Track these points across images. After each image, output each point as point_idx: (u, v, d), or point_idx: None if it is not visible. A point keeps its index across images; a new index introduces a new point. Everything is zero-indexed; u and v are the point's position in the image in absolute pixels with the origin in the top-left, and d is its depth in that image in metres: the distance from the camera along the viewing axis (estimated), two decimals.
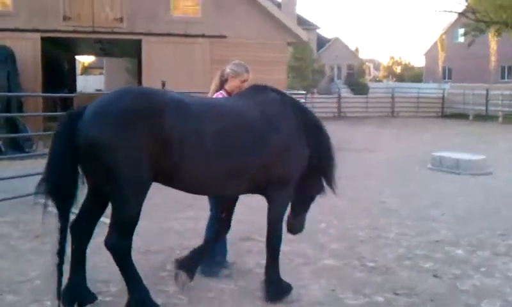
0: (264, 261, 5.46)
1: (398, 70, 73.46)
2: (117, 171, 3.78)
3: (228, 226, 5.01)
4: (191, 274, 4.66)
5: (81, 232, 4.21)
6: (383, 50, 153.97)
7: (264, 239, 6.21)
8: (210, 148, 4.09)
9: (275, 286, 4.61)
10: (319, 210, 7.98)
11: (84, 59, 70.02)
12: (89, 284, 4.85)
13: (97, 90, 33.89)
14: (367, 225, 7.22)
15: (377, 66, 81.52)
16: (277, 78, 17.65)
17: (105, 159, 3.76)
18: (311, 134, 4.70)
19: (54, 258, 3.92)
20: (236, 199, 4.96)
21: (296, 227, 5.12)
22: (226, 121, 4.27)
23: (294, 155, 4.58)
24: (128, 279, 4.05)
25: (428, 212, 8.02)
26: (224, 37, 17.71)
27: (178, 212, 7.72)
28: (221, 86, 5.21)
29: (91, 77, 57.40)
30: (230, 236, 6.32)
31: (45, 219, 4.21)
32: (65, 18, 16.55)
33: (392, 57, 75.67)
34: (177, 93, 4.32)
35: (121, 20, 16.95)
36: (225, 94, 5.13)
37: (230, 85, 5.15)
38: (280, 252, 5.70)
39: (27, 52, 15.97)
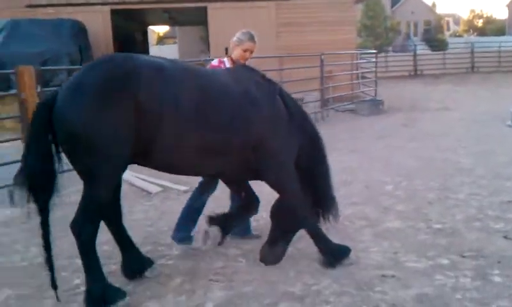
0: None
1: (479, 23, 69.69)
2: (94, 153, 3.56)
3: (256, 202, 4.78)
4: (223, 232, 4.57)
5: (109, 213, 4.14)
6: (462, 3, 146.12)
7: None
8: (185, 119, 3.80)
9: (329, 254, 4.46)
10: (387, 171, 7.79)
11: (158, 30, 70.78)
12: (152, 247, 4.99)
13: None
14: (437, 186, 6.90)
15: (457, 21, 77.79)
16: (345, 38, 17.25)
17: (82, 144, 3.54)
18: (299, 127, 4.47)
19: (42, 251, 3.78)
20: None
21: (267, 257, 4.55)
22: (206, 92, 3.96)
23: (279, 137, 4.31)
24: (87, 267, 3.77)
25: (504, 171, 7.55)
26: None
27: None
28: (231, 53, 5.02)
29: (166, 47, 58.46)
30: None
31: None
32: None
33: (473, 11, 71.93)
34: (156, 58, 4.02)
35: None
36: (228, 63, 4.91)
37: (234, 53, 4.90)
38: (342, 216, 5.64)
39: (98, 25, 16.40)
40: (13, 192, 6.75)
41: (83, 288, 3.87)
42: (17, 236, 5.61)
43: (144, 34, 28.29)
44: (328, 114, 14.42)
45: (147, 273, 4.33)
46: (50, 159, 3.67)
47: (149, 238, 5.29)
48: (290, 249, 4.79)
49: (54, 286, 3.79)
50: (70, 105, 3.53)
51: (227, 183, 4.78)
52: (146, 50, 27.89)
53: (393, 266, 4.41)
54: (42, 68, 10.61)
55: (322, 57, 13.76)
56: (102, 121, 3.51)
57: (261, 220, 5.62)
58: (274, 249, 4.52)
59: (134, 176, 7.90)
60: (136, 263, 4.31)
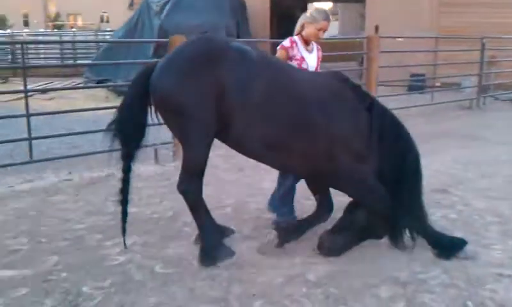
0: (452, 215, 5.24)
1: None
2: (184, 117, 3.90)
3: (330, 208, 4.66)
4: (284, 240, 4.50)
5: None
6: None
7: (459, 192, 5.96)
8: (255, 109, 3.92)
9: (440, 247, 4.27)
10: None
11: (322, 6, 72.10)
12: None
13: (331, 36, 34.36)
14: None
15: None
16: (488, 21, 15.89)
17: (172, 108, 3.93)
18: (387, 148, 4.20)
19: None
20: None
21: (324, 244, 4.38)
22: (278, 89, 4.02)
23: (352, 154, 4.15)
24: (199, 225, 4.19)
25: None
26: None
27: None
28: (300, 31, 4.86)
29: None
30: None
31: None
32: None
33: None
34: (244, 45, 4.16)
35: None
36: (299, 41, 4.79)
37: (306, 32, 4.76)
38: (475, 208, 5.38)
39: (257, 2, 16.92)
40: (158, 151, 7.42)
41: None
42: (155, 191, 6.15)
43: (303, 10, 28.43)
44: (485, 102, 13.47)
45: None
46: (142, 114, 4.11)
47: None
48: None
49: (124, 232, 4.28)
50: (164, 74, 3.96)
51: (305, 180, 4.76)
52: None
53: None
54: None
55: (484, 40, 12.81)
56: (189, 90, 3.86)
57: None
58: (335, 237, 4.38)
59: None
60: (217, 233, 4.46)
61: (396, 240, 4.26)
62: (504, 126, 10.61)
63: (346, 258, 4.26)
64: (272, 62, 4.29)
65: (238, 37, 14.66)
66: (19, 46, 18.91)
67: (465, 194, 5.98)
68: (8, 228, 4.96)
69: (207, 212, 4.40)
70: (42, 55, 25.06)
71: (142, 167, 6.95)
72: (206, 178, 6.08)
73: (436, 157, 7.81)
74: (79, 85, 16.13)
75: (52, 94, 14.30)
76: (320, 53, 5.02)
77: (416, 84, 14.40)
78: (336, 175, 4.23)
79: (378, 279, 3.88)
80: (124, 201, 4.26)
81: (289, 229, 4.55)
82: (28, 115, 6.65)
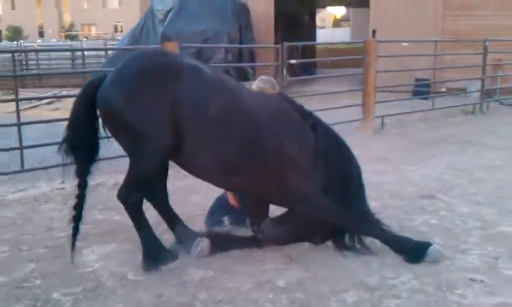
0: (433, 221, 5.22)
1: None
2: (132, 134, 3.85)
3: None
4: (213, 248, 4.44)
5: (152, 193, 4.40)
6: None
7: (447, 198, 5.93)
8: (208, 127, 3.93)
9: (405, 252, 4.26)
10: None
11: (335, 12, 71.31)
12: None
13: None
14: None
15: None
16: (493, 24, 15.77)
17: (120, 124, 3.87)
18: (331, 168, 4.31)
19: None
20: (266, 210, 4.61)
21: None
22: (232, 108, 4.05)
23: (299, 172, 4.23)
24: (139, 232, 4.17)
25: None
26: None
27: None
28: None
29: (339, 30, 58.62)
30: (410, 192, 6.13)
31: None
32: None
33: None
34: (199, 63, 4.17)
35: None
36: None
37: None
38: (458, 213, 5.42)
39: (261, 7, 16.97)
40: None
41: None
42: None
43: (312, 16, 28.51)
44: (489, 106, 13.35)
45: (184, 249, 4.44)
46: (91, 130, 4.09)
47: None
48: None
49: (73, 247, 4.25)
50: (112, 87, 3.89)
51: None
52: (312, 33, 28.20)
53: (487, 271, 4.08)
54: (200, 45, 11.38)
55: (487, 43, 12.71)
56: (139, 106, 3.82)
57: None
58: (275, 226, 4.47)
59: None
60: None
61: (340, 244, 4.43)
62: (504, 132, 10.50)
63: (319, 263, 4.25)
64: (225, 82, 4.27)
65: (241, 42, 14.72)
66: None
67: (452, 199, 5.94)
68: None
69: (176, 218, 4.47)
70: (54, 65, 25.47)
71: None
72: (195, 186, 6.17)
73: (429, 163, 7.79)
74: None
75: (57, 104, 14.49)
76: None
77: (421, 89, 14.33)
78: (285, 193, 4.27)
79: (347, 285, 3.87)
80: (77, 217, 4.27)
81: (218, 241, 4.50)
82: (19, 124, 6.75)
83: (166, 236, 4.59)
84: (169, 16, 15.17)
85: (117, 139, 4.09)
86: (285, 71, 9.12)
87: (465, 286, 3.84)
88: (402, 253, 4.28)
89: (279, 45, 9.32)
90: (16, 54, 21.49)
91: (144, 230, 4.20)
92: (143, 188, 4.15)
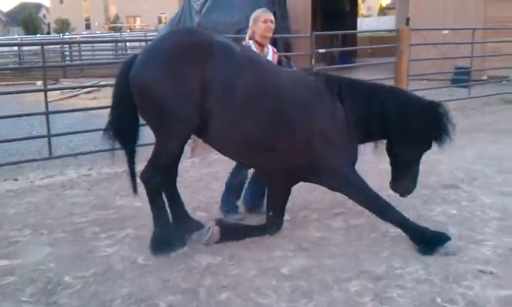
0: (452, 211, 5.11)
1: None
2: (161, 110, 3.87)
3: (278, 227, 4.67)
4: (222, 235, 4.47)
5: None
6: None
7: (470, 188, 5.79)
8: (237, 106, 3.94)
9: (421, 242, 4.19)
10: None
11: (381, 0, 70.37)
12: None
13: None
14: None
15: None
16: None
17: (150, 100, 3.90)
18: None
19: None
20: (286, 196, 4.63)
21: (398, 190, 4.59)
22: (262, 85, 4.05)
23: (331, 144, 4.18)
24: (154, 214, 4.20)
25: None
26: None
27: None
28: (253, 36, 4.82)
29: (384, 18, 57.68)
30: (433, 181, 6.02)
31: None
32: None
33: None
34: (228, 41, 4.19)
35: None
36: (253, 45, 4.75)
37: (258, 32, 4.76)
38: (479, 203, 5.32)
39: None
40: None
41: None
42: None
43: (353, 4, 28.09)
44: None
45: (194, 236, 4.48)
46: (132, 111, 4.11)
47: None
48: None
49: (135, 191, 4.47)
50: (143, 65, 3.95)
51: (268, 183, 4.72)
52: (353, 22, 27.79)
53: (499, 263, 3.98)
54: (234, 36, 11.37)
55: None
56: (170, 83, 3.84)
57: None
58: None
59: None
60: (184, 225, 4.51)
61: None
62: None
63: (327, 252, 4.24)
64: (254, 59, 4.30)
65: (276, 32, 14.63)
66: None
67: (475, 189, 5.80)
68: (16, 220, 5.23)
69: (180, 205, 4.51)
70: (97, 56, 26.05)
71: None
72: (217, 174, 6.22)
73: (459, 152, 7.55)
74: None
75: (96, 93, 14.84)
76: (276, 56, 5.01)
77: (460, 78, 13.94)
78: (314, 168, 4.23)
79: (352, 274, 3.85)
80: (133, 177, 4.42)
81: (228, 230, 4.52)
82: (47, 113, 6.95)
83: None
84: (205, 7, 15.26)
85: (145, 118, 4.13)
86: (313, 60, 9.05)
87: (473, 278, 3.76)
88: (418, 243, 4.23)
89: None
90: (59, 46, 22.18)
91: (159, 213, 4.24)
92: (166, 169, 4.22)
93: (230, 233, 4.49)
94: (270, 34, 4.82)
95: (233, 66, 3.97)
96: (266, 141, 4.11)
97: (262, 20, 4.76)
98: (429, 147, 4.43)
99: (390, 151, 4.44)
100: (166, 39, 4.12)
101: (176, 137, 4.01)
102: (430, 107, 4.31)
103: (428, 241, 4.17)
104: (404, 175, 4.47)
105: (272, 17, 4.84)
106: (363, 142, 4.45)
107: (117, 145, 4.29)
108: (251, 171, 5.14)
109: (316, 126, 4.15)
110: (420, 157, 4.50)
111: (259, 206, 5.15)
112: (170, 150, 4.06)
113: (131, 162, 4.33)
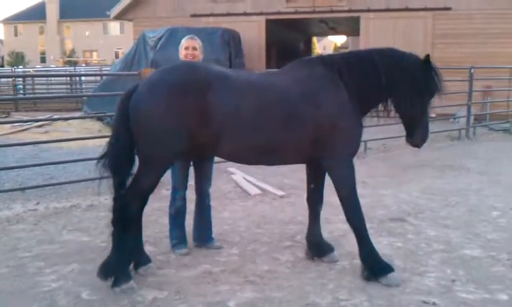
0: (398, 244, 5.21)
1: None
2: (153, 138, 3.99)
3: (319, 200, 4.80)
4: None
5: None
6: None
7: (416, 221, 5.94)
8: (247, 123, 4.09)
9: (368, 265, 4.30)
10: (505, 197, 7.09)
11: (336, 40, 72.20)
12: (218, 243, 5.19)
13: None
14: None
15: None
16: (508, 51, 15.89)
17: (145, 128, 4.00)
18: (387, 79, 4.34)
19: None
20: (323, 170, 4.61)
21: (414, 143, 4.64)
22: (265, 97, 4.19)
23: (343, 130, 4.27)
24: (116, 240, 4.15)
25: None
26: (448, 9, 16.49)
27: None
28: None
29: None
30: (380, 215, 6.14)
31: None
32: (288, 0, 17.35)
33: None
34: (221, 68, 4.35)
35: None
36: None
37: (181, 57, 4.99)
38: (425, 236, 5.41)
39: (253, 34, 17.23)
40: None
41: None
42: None
43: (307, 43, 28.80)
44: (475, 132, 13.40)
45: (140, 270, 4.48)
46: (129, 142, 4.12)
47: (221, 235, 5.49)
48: (346, 263, 4.72)
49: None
50: (142, 96, 4.05)
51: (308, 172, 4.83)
52: None
53: (441, 294, 4.08)
54: None
55: (472, 71, 12.81)
56: (163, 117, 3.96)
57: (335, 232, 5.57)
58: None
59: (242, 177, 8.23)
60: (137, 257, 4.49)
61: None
62: (487, 157, 10.54)
63: (274, 285, 4.26)
64: (250, 77, 4.46)
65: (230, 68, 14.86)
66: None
67: (421, 223, 5.96)
68: None
69: (139, 236, 4.48)
70: (53, 90, 25.68)
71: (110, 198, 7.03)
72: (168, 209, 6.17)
73: (406, 187, 7.81)
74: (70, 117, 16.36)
75: (47, 127, 14.59)
76: None
77: None
78: (326, 155, 4.36)
79: (298, 306, 3.87)
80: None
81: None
82: None
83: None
84: (160, 43, 15.36)
85: (137, 144, 4.14)
86: None
87: None
88: (366, 263, 4.34)
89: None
90: (11, 79, 21.81)
91: (123, 244, 4.15)
92: (144, 199, 4.23)
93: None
94: (191, 60, 4.93)
95: (233, 90, 4.11)
96: (282, 143, 4.28)
97: (184, 47, 4.98)
98: (430, 97, 4.45)
99: (398, 109, 4.49)
100: (166, 74, 4.16)
101: (159, 167, 4.15)
102: (423, 60, 4.40)
103: (372, 266, 4.29)
104: (416, 127, 4.47)
105: (195, 44, 5.00)
106: (370, 109, 4.55)
107: (109, 174, 4.23)
108: (192, 203, 5.19)
109: (325, 116, 4.25)
110: (427, 107, 4.50)
111: (208, 240, 5.15)
112: (151, 179, 4.14)
113: (117, 192, 4.24)
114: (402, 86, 4.32)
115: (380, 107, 4.54)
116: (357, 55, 4.60)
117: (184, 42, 5.00)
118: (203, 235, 5.17)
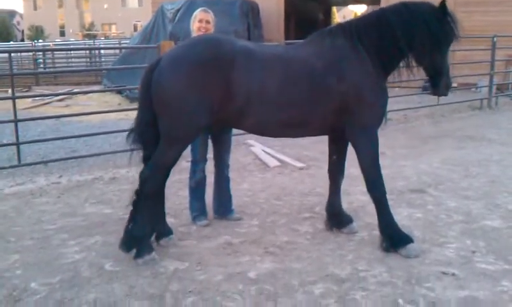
0: (418, 215, 5.22)
1: None
2: (173, 114, 4.01)
3: (341, 171, 4.80)
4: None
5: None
6: None
7: (436, 193, 5.92)
8: (273, 98, 4.09)
9: (387, 236, 4.33)
10: None
11: (356, 9, 71.67)
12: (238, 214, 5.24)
13: None
14: None
15: None
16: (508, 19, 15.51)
17: (166, 103, 4.01)
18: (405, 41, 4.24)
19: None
20: (345, 142, 4.62)
21: (440, 92, 4.42)
22: (289, 71, 4.16)
23: (368, 100, 4.24)
24: (140, 213, 4.23)
25: None
26: None
27: None
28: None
29: None
30: (400, 186, 6.13)
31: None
32: None
33: None
34: (245, 42, 4.33)
35: None
36: None
37: (194, 31, 5.00)
38: (445, 207, 5.43)
39: (272, 5, 17.02)
40: None
41: None
42: None
43: (327, 14, 28.42)
44: (497, 102, 13.19)
45: (162, 241, 4.57)
46: (154, 116, 4.15)
47: (241, 207, 5.54)
48: (365, 234, 4.74)
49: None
50: (164, 71, 4.04)
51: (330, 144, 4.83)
52: None
53: (461, 265, 4.09)
54: None
55: (495, 39, 12.56)
56: (185, 93, 3.97)
57: (355, 203, 5.58)
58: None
59: (261, 149, 8.25)
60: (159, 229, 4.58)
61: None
62: (509, 127, 10.40)
63: (294, 256, 4.31)
64: (274, 51, 4.39)
65: (249, 40, 14.76)
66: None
67: (441, 194, 5.94)
68: None
69: (161, 208, 4.57)
70: (72, 63, 25.86)
71: (132, 171, 7.13)
72: (187, 181, 6.27)
73: (426, 158, 7.76)
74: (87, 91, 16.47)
75: (68, 101, 14.73)
76: None
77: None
78: (351, 125, 4.34)
79: (317, 277, 3.91)
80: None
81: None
82: (16, 121, 6.90)
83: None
84: (178, 15, 15.29)
85: (159, 120, 4.14)
86: None
87: (436, 279, 3.85)
88: (385, 234, 4.36)
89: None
90: (31, 53, 21.96)
91: (145, 215, 4.24)
92: (167, 172, 4.30)
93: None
94: (203, 33, 4.93)
95: (257, 65, 4.09)
96: (307, 116, 4.28)
97: (198, 19, 4.98)
98: (448, 44, 4.29)
99: (419, 62, 4.40)
100: (190, 48, 4.15)
101: (181, 142, 4.18)
102: (438, 6, 4.24)
103: (391, 237, 4.32)
104: (440, 76, 4.32)
105: (209, 17, 5.01)
106: (394, 69, 4.47)
107: (136, 148, 4.33)
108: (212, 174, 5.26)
109: (350, 87, 4.22)
110: (446, 54, 4.37)
111: (227, 212, 5.20)
112: (173, 153, 4.17)
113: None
114: (419, 38, 4.20)
115: (402, 64, 4.44)
116: (371, 17, 4.48)
117: (198, 14, 5.00)
118: (223, 206, 5.22)
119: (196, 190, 5.16)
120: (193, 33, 5.00)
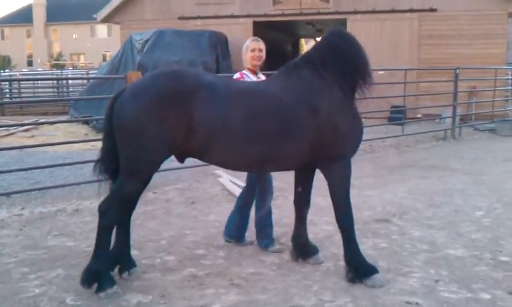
0: (383, 244, 5.24)
1: None
2: (132, 146, 3.97)
3: (306, 202, 4.81)
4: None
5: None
6: None
7: (401, 222, 5.98)
8: (238, 133, 4.05)
9: (353, 267, 4.33)
10: (489, 197, 7.16)
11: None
12: (205, 248, 5.19)
13: None
14: None
15: None
16: (493, 52, 16.02)
17: (126, 134, 3.97)
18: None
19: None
20: (311, 173, 4.67)
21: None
22: (257, 106, 4.15)
23: (345, 127, 4.27)
24: (96, 247, 4.16)
25: None
26: (434, 10, 16.62)
27: None
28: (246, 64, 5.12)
29: None
30: (365, 216, 6.18)
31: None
32: (275, 3, 17.40)
33: None
34: (211, 76, 4.35)
35: (327, 0, 17.14)
36: (248, 73, 5.04)
37: (247, 60, 5.07)
38: (409, 237, 5.49)
39: (240, 36, 17.15)
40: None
41: None
42: None
43: (295, 45, 28.85)
44: (461, 132, 13.51)
45: (124, 275, 4.48)
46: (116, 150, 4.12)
47: (207, 239, 5.51)
48: (331, 264, 4.74)
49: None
50: (127, 102, 4.00)
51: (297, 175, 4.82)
52: None
53: (425, 294, 4.11)
54: None
55: (457, 71, 12.93)
56: (145, 125, 3.91)
57: (320, 233, 5.59)
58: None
59: (229, 180, 8.23)
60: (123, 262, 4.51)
61: None
62: (472, 156, 10.63)
63: (259, 288, 4.27)
64: (240, 86, 4.39)
65: (218, 72, 14.85)
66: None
67: (406, 223, 6.00)
68: None
69: (126, 241, 4.49)
70: (39, 94, 25.55)
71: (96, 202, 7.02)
72: (154, 212, 6.22)
73: (391, 188, 7.86)
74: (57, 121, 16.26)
75: (33, 131, 14.51)
76: None
77: (396, 116, 14.47)
78: (326, 157, 4.34)
79: None
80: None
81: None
82: None
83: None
84: (147, 46, 15.34)
85: (119, 150, 4.10)
86: None
87: None
88: (351, 265, 4.36)
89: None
90: None
91: (103, 250, 4.16)
92: (126, 207, 4.24)
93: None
94: (258, 62, 5.04)
95: (221, 100, 4.04)
96: (277, 151, 4.23)
97: (250, 49, 5.03)
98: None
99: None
100: (153, 80, 4.11)
101: (140, 174, 4.09)
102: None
103: (357, 267, 4.32)
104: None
105: (261, 46, 5.06)
106: (359, 88, 4.46)
107: (104, 178, 4.29)
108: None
109: (324, 116, 4.21)
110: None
111: (242, 237, 5.32)
112: (132, 185, 4.08)
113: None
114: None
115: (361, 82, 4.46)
116: (324, 44, 4.52)
117: (250, 44, 5.05)
118: (240, 232, 5.34)
119: (262, 219, 5.21)
120: (246, 63, 5.08)
